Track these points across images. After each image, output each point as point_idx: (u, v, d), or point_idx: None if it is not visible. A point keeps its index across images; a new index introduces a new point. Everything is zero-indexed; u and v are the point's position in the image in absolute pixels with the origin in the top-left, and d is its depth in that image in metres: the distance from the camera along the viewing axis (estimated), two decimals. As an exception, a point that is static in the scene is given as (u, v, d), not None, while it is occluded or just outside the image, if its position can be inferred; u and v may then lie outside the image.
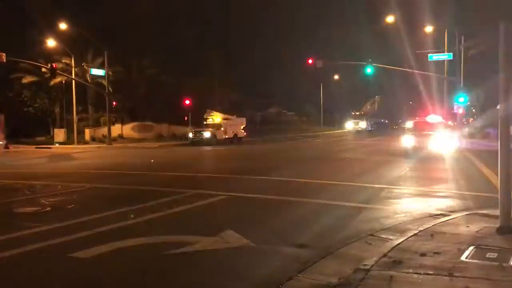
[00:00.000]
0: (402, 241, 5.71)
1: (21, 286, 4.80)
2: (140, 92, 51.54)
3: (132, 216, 7.95)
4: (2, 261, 5.53)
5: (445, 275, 4.44)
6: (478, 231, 6.13)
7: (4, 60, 32.43)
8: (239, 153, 26.20)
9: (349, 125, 71.24)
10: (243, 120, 43.04)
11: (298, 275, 4.78)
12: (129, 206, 8.87)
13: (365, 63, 37.11)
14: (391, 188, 10.97)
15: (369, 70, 36.80)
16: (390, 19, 35.54)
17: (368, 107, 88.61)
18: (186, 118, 45.84)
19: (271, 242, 6.09)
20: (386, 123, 79.18)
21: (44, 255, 5.80)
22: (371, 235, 6.40)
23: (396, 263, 4.81)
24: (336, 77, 73.08)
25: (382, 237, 6.22)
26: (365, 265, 4.75)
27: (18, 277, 5.08)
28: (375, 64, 36.67)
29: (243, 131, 41.37)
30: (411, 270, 4.60)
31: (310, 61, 36.16)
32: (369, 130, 67.06)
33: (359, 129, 68.08)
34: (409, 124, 43.50)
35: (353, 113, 76.56)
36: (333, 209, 8.42)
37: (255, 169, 15.90)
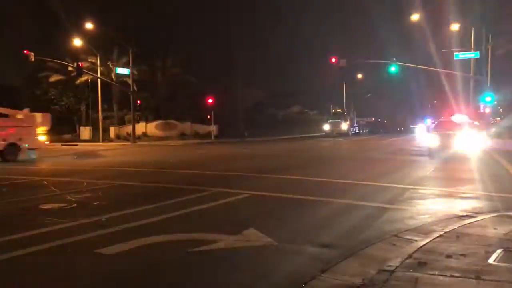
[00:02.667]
0: (427, 243, 5.63)
1: (48, 281, 4.89)
2: (163, 91, 52.09)
3: (156, 213, 8.03)
4: (30, 256, 5.65)
5: (472, 278, 4.36)
6: (506, 233, 5.99)
7: (33, 59, 33.28)
8: (259, 152, 26.20)
9: (326, 126, 53.70)
10: (33, 118, 23.01)
11: (321, 275, 4.75)
12: (153, 203, 8.99)
13: (389, 61, 36.69)
14: (416, 188, 10.82)
15: (393, 69, 36.41)
16: (415, 17, 35.04)
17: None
18: (209, 116, 46.14)
19: (294, 241, 6.07)
20: (380, 123, 69.73)
21: (70, 250, 5.91)
22: (395, 235, 6.32)
23: (421, 265, 4.74)
24: (359, 76, 72.39)
25: (407, 238, 6.13)
26: (390, 266, 4.69)
27: (46, 272, 5.18)
28: (400, 63, 36.23)
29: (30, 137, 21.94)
30: (436, 272, 4.52)
31: (333, 59, 35.97)
32: (354, 132, 55.90)
33: (340, 131, 52.52)
34: (425, 124, 44.91)
35: (333, 110, 57.94)
36: (356, 209, 8.35)
37: (276, 168, 15.88)
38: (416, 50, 43.16)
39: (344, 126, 52.74)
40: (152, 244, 6.06)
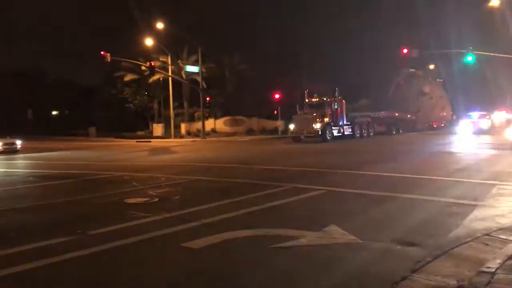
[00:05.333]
0: (526, 243, 5.27)
1: (142, 271, 5.10)
2: (231, 87, 52.92)
3: (234, 208, 8.15)
4: (121, 249, 5.93)
5: None
6: None
7: (109, 60, 34.93)
8: (329, 147, 25.85)
9: (291, 125, 32.71)
10: None
11: (413, 274, 4.58)
12: (230, 198, 9.14)
13: (465, 51, 34.76)
14: (503, 184, 10.13)
15: (469, 58, 34.42)
16: (494, 2, 32.89)
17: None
18: (275, 112, 46.26)
19: (378, 239, 5.90)
20: (400, 119, 41.04)
21: (159, 244, 6.14)
22: (487, 235, 5.96)
23: (524, 267, 4.44)
24: (431, 67, 69.26)
25: (501, 238, 5.76)
26: (489, 267, 4.43)
27: (138, 263, 5.41)
28: (477, 52, 34.19)
29: None
30: (542, 276, 4.22)
31: (405, 50, 34.65)
32: (340, 135, 32.05)
33: (311, 133, 30.89)
34: (470, 120, 38.66)
35: (307, 100, 33.65)
36: (441, 206, 7.98)
37: (348, 163, 15.61)
38: (495, 38, 40.38)
39: (317, 124, 30.52)
40: (234, 239, 6.15)
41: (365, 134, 35.00)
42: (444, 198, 8.56)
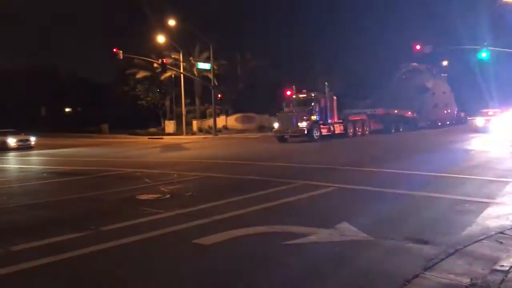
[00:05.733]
0: (541, 242, 5.20)
1: (154, 267, 5.14)
2: (242, 84, 52.92)
3: (245, 205, 8.16)
4: (133, 245, 5.97)
5: None
6: None
7: (121, 57, 35.12)
8: (339, 145, 25.73)
9: (276, 123, 29.27)
10: None
11: (425, 272, 4.55)
12: (242, 195, 9.15)
13: (479, 47, 34.30)
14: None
15: (484, 54, 33.93)
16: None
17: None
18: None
19: (390, 237, 5.87)
20: (401, 116, 38.09)
21: (170, 240, 6.18)
22: (501, 233, 5.89)
23: (539, 266, 4.38)
24: (444, 63, 68.48)
25: (515, 236, 5.70)
26: (502, 266, 4.38)
27: (150, 259, 5.44)
28: (492, 48, 33.71)
29: None
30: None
31: (417, 46, 34.26)
32: (329, 134, 29.14)
33: (296, 131, 27.79)
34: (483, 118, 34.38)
35: (294, 96, 31.04)
36: (453, 203, 7.90)
37: (361, 160, 15.52)
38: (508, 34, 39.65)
39: (303, 123, 27.55)
40: (246, 236, 6.16)
41: (359, 133, 32.25)
42: (456, 195, 8.48)
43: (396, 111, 37.98)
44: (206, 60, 45.57)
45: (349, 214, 7.21)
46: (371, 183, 10.13)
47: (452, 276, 4.45)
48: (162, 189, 10.49)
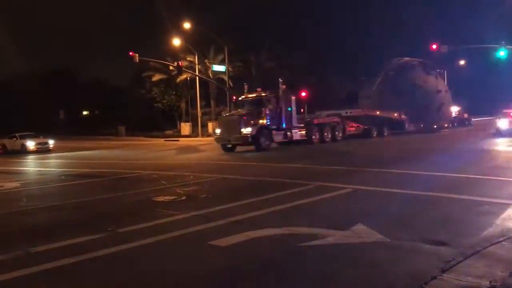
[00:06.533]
0: (563, 244, 5.08)
1: (169, 268, 5.17)
2: (257, 85, 52.95)
3: (261, 206, 8.16)
4: (150, 246, 6.02)
5: None
6: None
7: (137, 60, 35.45)
8: (355, 145, 25.55)
9: (217, 129, 25.07)
10: None
11: (442, 274, 4.49)
12: (257, 196, 9.15)
13: (497, 46, 33.80)
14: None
15: (502, 53, 33.45)
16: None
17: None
18: (302, 110, 46.07)
19: (407, 239, 5.80)
20: (384, 118, 33.29)
21: (186, 241, 6.21)
22: (522, 235, 5.79)
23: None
24: (461, 62, 67.55)
25: (536, 238, 5.59)
26: (522, 268, 4.30)
27: (166, 260, 5.48)
28: (511, 47, 33.17)
29: None
30: None
31: (434, 46, 33.92)
32: (284, 142, 25.03)
33: (238, 139, 22.94)
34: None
35: (243, 96, 26.28)
36: (471, 204, 7.79)
37: (378, 162, 15.38)
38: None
39: (247, 128, 22.79)
40: (262, 237, 6.16)
41: (328, 139, 27.27)
42: (476, 196, 8.35)
43: (378, 112, 33.36)
44: (221, 62, 45.77)
45: (366, 216, 7.12)
46: (387, 184, 10.01)
47: (470, 278, 4.38)
48: (178, 191, 10.55)
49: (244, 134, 22.53)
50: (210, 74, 47.31)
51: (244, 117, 23.18)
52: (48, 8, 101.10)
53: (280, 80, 25.53)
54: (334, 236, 5.98)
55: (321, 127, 27.47)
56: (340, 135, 28.64)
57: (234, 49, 45.30)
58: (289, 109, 25.29)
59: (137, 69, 52.25)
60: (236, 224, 6.91)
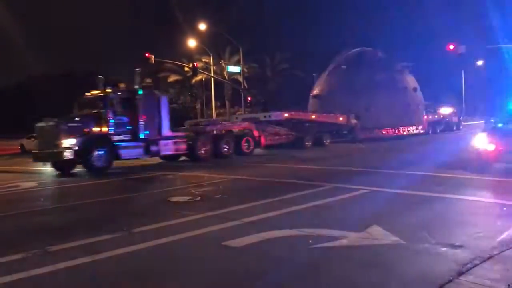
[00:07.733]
0: None
1: (183, 268, 5.19)
2: (272, 86, 53.04)
3: (274, 207, 8.15)
4: (164, 246, 6.05)
5: None
6: None
7: (153, 62, 35.68)
8: (368, 146, 25.32)
9: (35, 143, 18.27)
10: None
11: (459, 277, 4.43)
12: (271, 197, 9.13)
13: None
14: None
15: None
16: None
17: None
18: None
19: (422, 241, 5.74)
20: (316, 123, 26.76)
21: (201, 242, 6.23)
22: (541, 238, 5.69)
23: None
24: (479, 63, 66.60)
25: (555, 241, 5.48)
26: (541, 272, 4.22)
27: (180, 260, 5.51)
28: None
29: None
30: None
31: (451, 46, 33.46)
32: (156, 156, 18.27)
33: (57, 156, 15.52)
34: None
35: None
36: (487, 207, 7.70)
37: (392, 163, 15.26)
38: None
39: (70, 140, 15.31)
40: (275, 238, 6.15)
41: (226, 152, 20.19)
42: (493, 199, 8.23)
43: (313, 116, 27.45)
44: (236, 63, 45.86)
45: (380, 217, 7.04)
46: (402, 186, 9.92)
47: (487, 281, 4.32)
48: (193, 191, 10.59)
49: (62, 149, 15.34)
50: (225, 75, 47.45)
51: (70, 124, 16.10)
52: (63, 9, 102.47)
53: (137, 70, 18.16)
54: (348, 238, 5.95)
55: (215, 138, 20.27)
56: (251, 147, 21.65)
57: (249, 49, 45.42)
58: (161, 113, 18.16)
59: (152, 71, 52.68)
60: (250, 225, 6.91)
